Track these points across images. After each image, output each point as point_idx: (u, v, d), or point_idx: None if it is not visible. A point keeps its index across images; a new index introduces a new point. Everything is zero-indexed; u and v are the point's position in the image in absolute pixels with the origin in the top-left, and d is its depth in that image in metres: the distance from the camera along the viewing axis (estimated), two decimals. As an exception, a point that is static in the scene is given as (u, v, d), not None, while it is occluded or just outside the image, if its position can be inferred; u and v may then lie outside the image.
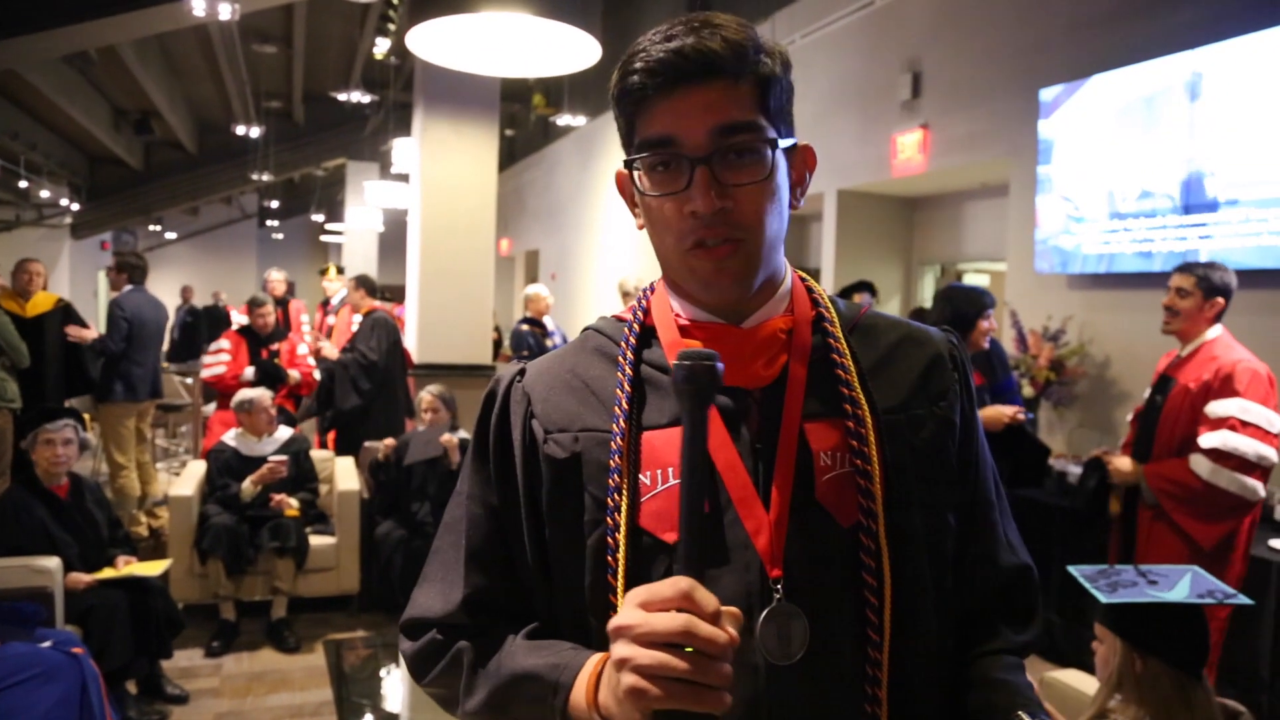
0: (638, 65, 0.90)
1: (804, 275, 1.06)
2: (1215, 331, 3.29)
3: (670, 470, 0.92)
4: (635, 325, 1.02)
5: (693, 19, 0.90)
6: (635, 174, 0.94)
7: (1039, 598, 1.07)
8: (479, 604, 1.00)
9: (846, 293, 5.48)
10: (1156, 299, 4.88)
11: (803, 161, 1.00)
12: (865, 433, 0.93)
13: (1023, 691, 0.96)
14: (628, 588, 0.89)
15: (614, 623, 0.75)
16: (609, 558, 0.91)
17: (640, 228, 1.00)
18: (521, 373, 1.05)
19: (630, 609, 0.75)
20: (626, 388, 0.96)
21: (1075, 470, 4.71)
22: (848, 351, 0.98)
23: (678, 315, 1.00)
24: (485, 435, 1.03)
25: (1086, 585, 1.85)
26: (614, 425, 0.94)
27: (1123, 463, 3.41)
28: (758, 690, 0.87)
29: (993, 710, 0.94)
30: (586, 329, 1.09)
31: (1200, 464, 3.11)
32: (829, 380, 0.96)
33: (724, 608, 0.74)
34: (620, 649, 0.74)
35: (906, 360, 1.01)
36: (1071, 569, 1.91)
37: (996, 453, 3.62)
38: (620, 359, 0.99)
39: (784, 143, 0.94)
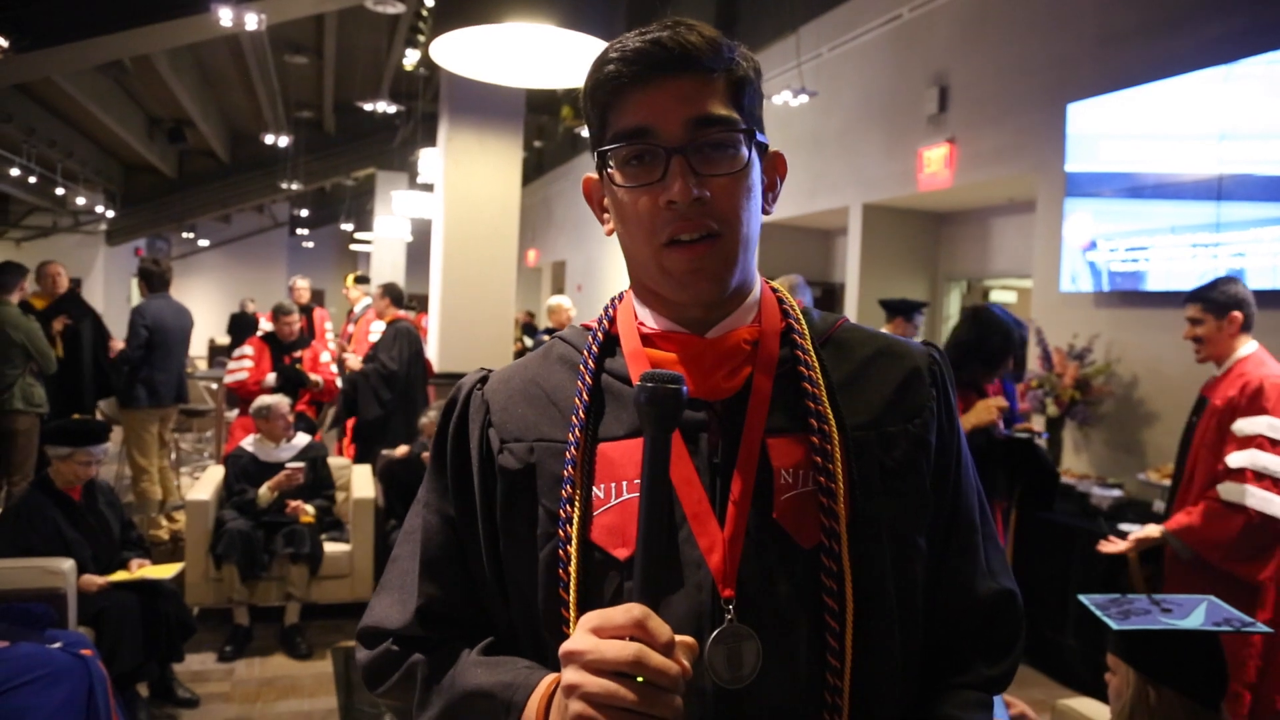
0: (613, 56, 0.89)
1: (775, 286, 1.03)
2: (1249, 349, 3.17)
3: (624, 484, 0.89)
4: (599, 334, 1.00)
5: (668, 20, 0.90)
6: (607, 170, 0.92)
7: (1020, 627, 1.02)
8: (434, 615, 0.98)
9: (905, 310, 5.30)
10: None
11: (773, 166, 0.98)
12: (831, 450, 0.89)
13: None
14: (579, 603, 0.87)
15: (565, 647, 0.74)
16: (560, 572, 0.89)
17: (610, 233, 0.98)
18: (483, 380, 1.03)
19: (582, 633, 0.73)
20: (585, 398, 0.94)
21: (1099, 492, 4.62)
22: (817, 365, 0.95)
23: (641, 324, 0.97)
24: (443, 444, 1.01)
25: (1098, 614, 1.79)
26: (570, 436, 0.92)
27: (1121, 546, 3.26)
28: (705, 715, 0.84)
29: None
30: (553, 336, 1.07)
31: (1230, 490, 2.98)
32: (795, 394, 0.92)
33: (678, 637, 0.72)
34: (570, 675, 0.72)
35: (881, 375, 0.97)
36: (1082, 598, 1.85)
37: (1007, 475, 3.38)
38: (581, 368, 0.97)
39: (759, 138, 0.92)
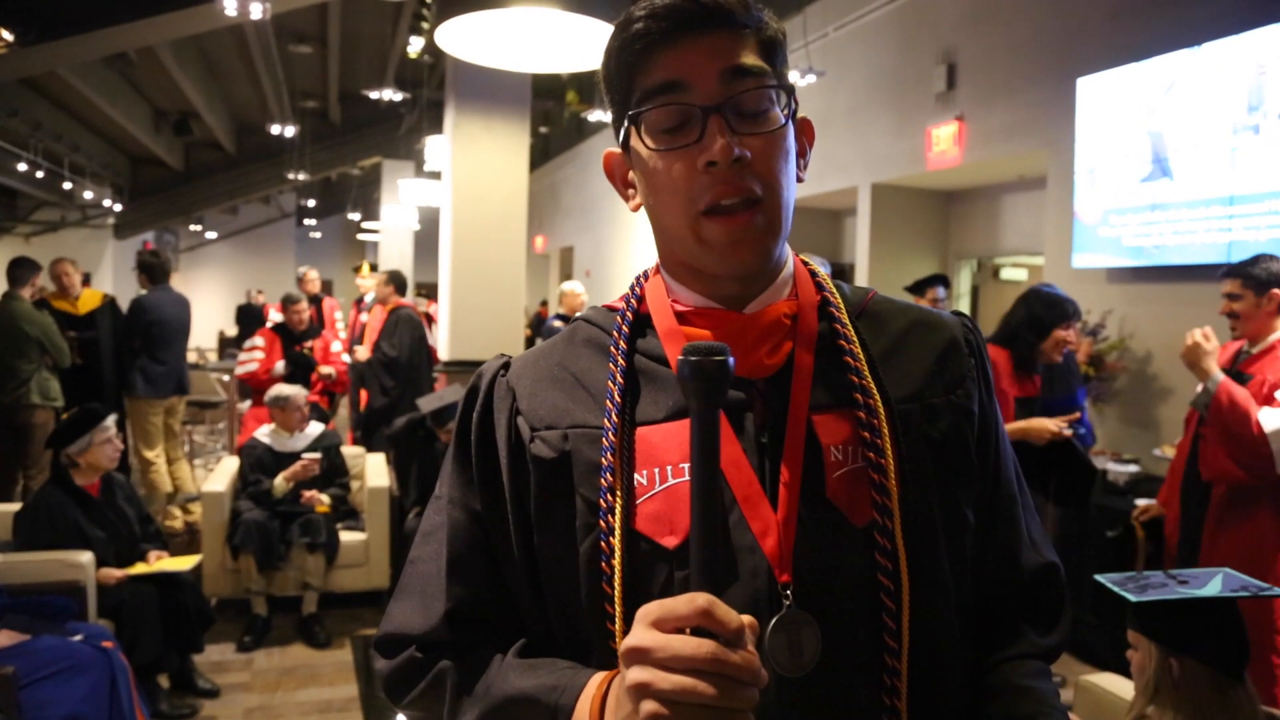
0: (640, 15, 0.85)
1: (805, 259, 1.00)
2: None
3: (669, 469, 0.85)
4: (629, 314, 0.95)
5: None
6: (635, 136, 0.88)
7: (1066, 598, 1.00)
8: (463, 618, 0.93)
9: (920, 287, 5.35)
10: (1200, 292, 4.78)
11: (803, 132, 0.95)
12: (878, 424, 0.86)
13: (1048, 699, 0.90)
14: (625, 597, 0.83)
15: (628, 643, 0.68)
16: (604, 565, 0.84)
17: (635, 208, 0.94)
18: (506, 366, 0.98)
19: (643, 628, 0.68)
20: (619, 380, 0.89)
21: (1115, 467, 4.61)
22: (856, 338, 0.92)
23: (675, 301, 0.93)
24: (467, 434, 0.96)
25: (1115, 589, 1.78)
26: (605, 421, 0.88)
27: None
28: (767, 706, 0.77)
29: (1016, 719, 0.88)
30: (576, 319, 1.02)
31: (1271, 418, 2.87)
32: (837, 369, 0.90)
33: (745, 618, 0.68)
34: (637, 674, 0.67)
35: (919, 347, 0.95)
36: (1099, 577, 1.85)
37: (1044, 469, 3.43)
38: (612, 349, 0.93)
39: (792, 90, 0.89)
